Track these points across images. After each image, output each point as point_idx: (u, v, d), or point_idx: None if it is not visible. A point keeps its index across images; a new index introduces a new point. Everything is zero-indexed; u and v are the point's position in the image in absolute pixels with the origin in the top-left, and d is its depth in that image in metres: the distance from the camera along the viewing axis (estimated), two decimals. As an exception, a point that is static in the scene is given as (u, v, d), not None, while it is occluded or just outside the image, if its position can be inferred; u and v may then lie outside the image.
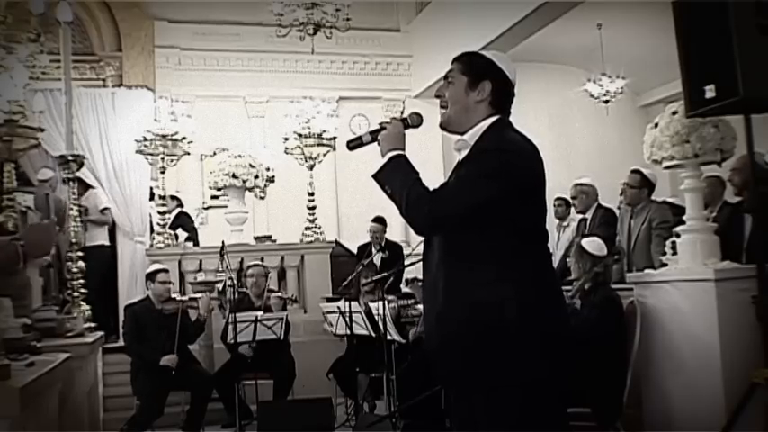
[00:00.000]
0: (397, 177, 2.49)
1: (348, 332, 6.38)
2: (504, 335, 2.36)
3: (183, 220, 9.35)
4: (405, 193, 2.44)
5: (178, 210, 9.51)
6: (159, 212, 8.40)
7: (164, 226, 8.37)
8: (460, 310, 2.41)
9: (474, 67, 2.62)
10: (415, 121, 2.65)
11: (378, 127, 2.63)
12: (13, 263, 2.58)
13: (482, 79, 2.60)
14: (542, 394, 2.40)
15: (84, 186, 8.08)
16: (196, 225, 9.76)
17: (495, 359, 2.37)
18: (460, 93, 2.60)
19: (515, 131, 2.58)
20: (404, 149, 2.55)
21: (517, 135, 2.56)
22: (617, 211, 6.81)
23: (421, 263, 2.72)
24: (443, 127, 2.68)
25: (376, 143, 2.59)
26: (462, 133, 2.61)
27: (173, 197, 9.58)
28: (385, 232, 8.66)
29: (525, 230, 2.49)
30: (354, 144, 2.67)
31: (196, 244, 8.79)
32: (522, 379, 2.36)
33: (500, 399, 2.37)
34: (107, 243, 8.52)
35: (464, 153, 2.59)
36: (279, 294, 6.82)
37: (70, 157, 5.37)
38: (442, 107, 2.66)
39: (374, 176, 2.55)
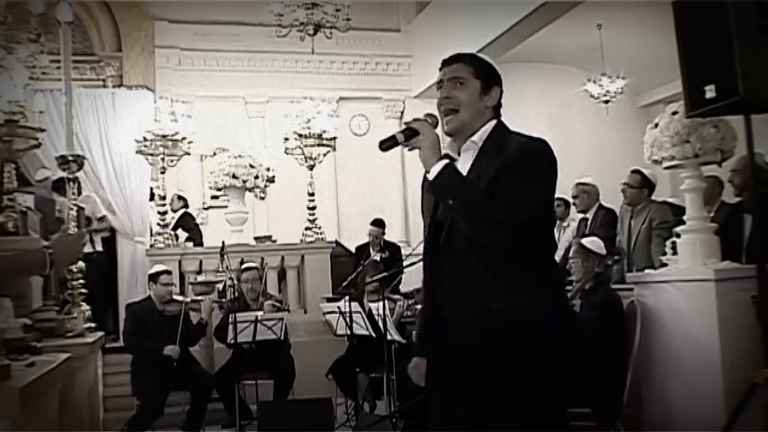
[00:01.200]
0: (458, 188, 2.43)
1: (348, 332, 6.38)
2: (539, 338, 2.40)
3: (186, 221, 9.35)
4: (476, 204, 2.41)
5: (183, 210, 9.51)
6: (159, 213, 8.40)
7: (164, 226, 8.37)
8: (495, 314, 2.41)
9: (485, 72, 2.61)
10: (435, 122, 2.59)
11: (407, 127, 2.51)
12: (40, 269, 2.67)
13: (493, 84, 2.61)
14: (563, 395, 2.49)
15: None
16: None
17: (531, 362, 2.38)
18: (475, 97, 2.57)
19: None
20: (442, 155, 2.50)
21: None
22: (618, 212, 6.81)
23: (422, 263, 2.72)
24: (452, 133, 2.62)
25: (405, 145, 2.49)
26: (464, 137, 2.60)
27: (180, 197, 9.59)
28: (384, 234, 8.67)
29: (547, 230, 2.64)
30: (388, 144, 2.52)
31: (200, 244, 8.79)
32: (554, 381, 2.42)
33: (531, 399, 2.39)
34: (101, 249, 8.48)
35: (469, 154, 2.58)
36: (272, 302, 6.79)
37: (70, 158, 5.36)
38: (451, 109, 2.57)
39: (431, 189, 2.49)
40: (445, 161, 2.45)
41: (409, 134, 2.48)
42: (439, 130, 2.56)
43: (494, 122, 2.60)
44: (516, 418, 2.38)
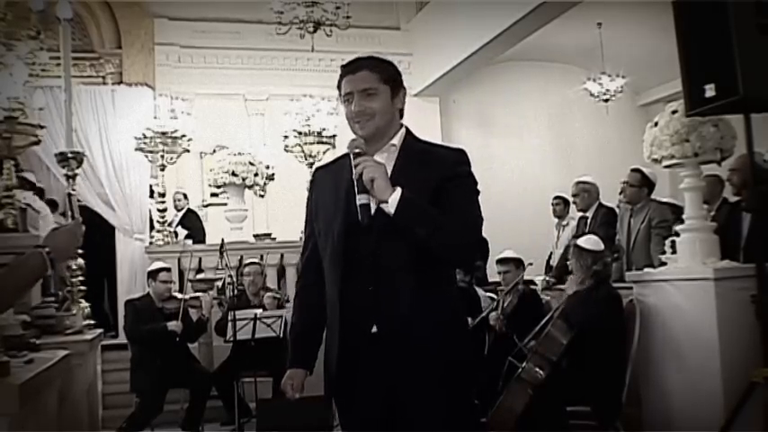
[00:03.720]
0: (423, 216, 2.39)
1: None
2: (460, 349, 2.53)
3: (190, 219, 9.34)
4: (449, 230, 2.40)
5: (186, 208, 9.50)
6: (159, 210, 8.39)
7: (163, 224, 8.36)
8: (424, 326, 2.42)
9: (391, 75, 2.55)
10: (361, 144, 2.51)
11: (362, 183, 2.40)
12: (43, 274, 2.45)
13: (400, 86, 2.58)
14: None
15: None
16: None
17: (466, 363, 2.56)
18: (388, 103, 2.52)
19: None
20: None
21: None
22: (617, 210, 6.81)
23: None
24: (367, 138, 2.52)
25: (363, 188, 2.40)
26: (379, 142, 2.55)
27: (184, 195, 9.59)
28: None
29: None
30: (367, 217, 2.41)
31: (202, 242, 8.79)
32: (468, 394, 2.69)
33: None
34: None
35: (384, 157, 2.52)
36: (272, 294, 6.81)
37: (70, 155, 5.35)
38: (366, 119, 2.49)
39: (398, 219, 2.36)
40: (400, 189, 2.35)
41: (365, 184, 2.39)
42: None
43: (404, 128, 2.60)
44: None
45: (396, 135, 2.57)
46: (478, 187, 2.56)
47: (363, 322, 2.45)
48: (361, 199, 2.40)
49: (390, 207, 2.35)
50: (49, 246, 2.41)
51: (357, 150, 2.47)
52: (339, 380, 2.53)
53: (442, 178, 2.45)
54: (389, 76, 2.54)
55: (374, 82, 2.50)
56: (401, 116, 2.62)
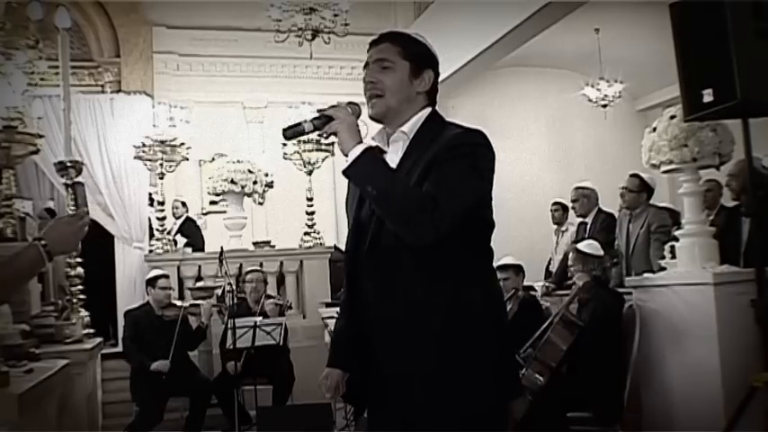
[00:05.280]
0: (379, 174, 2.14)
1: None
2: (478, 357, 2.18)
3: (188, 227, 9.34)
4: (398, 195, 2.11)
5: (185, 216, 9.51)
6: (158, 218, 8.40)
7: (162, 231, 8.36)
8: (432, 329, 2.17)
9: (416, 54, 2.34)
10: (357, 111, 2.35)
11: (320, 114, 2.27)
12: (38, 267, 2.32)
13: (425, 68, 2.36)
14: (501, 414, 2.37)
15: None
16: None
17: (470, 385, 2.19)
18: (404, 81, 2.33)
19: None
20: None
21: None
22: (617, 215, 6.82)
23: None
24: (377, 118, 2.37)
25: (316, 132, 2.27)
26: (394, 125, 2.36)
27: (183, 203, 9.59)
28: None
29: (486, 228, 2.31)
30: (292, 132, 2.28)
31: (201, 250, 8.79)
32: (493, 402, 2.30)
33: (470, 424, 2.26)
34: None
35: (399, 146, 2.33)
36: (274, 300, 6.81)
37: (69, 164, 5.35)
38: (375, 95, 2.35)
39: (347, 173, 2.18)
40: (366, 145, 2.18)
41: (323, 121, 2.24)
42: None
43: (427, 111, 2.37)
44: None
45: (408, 121, 2.33)
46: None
47: (369, 335, 2.29)
48: (303, 121, 2.26)
49: (348, 160, 2.16)
50: (47, 239, 2.29)
51: (338, 104, 2.31)
52: (363, 389, 2.46)
53: (433, 160, 2.18)
54: (413, 53, 2.33)
55: (392, 54, 2.33)
56: (430, 102, 2.39)
